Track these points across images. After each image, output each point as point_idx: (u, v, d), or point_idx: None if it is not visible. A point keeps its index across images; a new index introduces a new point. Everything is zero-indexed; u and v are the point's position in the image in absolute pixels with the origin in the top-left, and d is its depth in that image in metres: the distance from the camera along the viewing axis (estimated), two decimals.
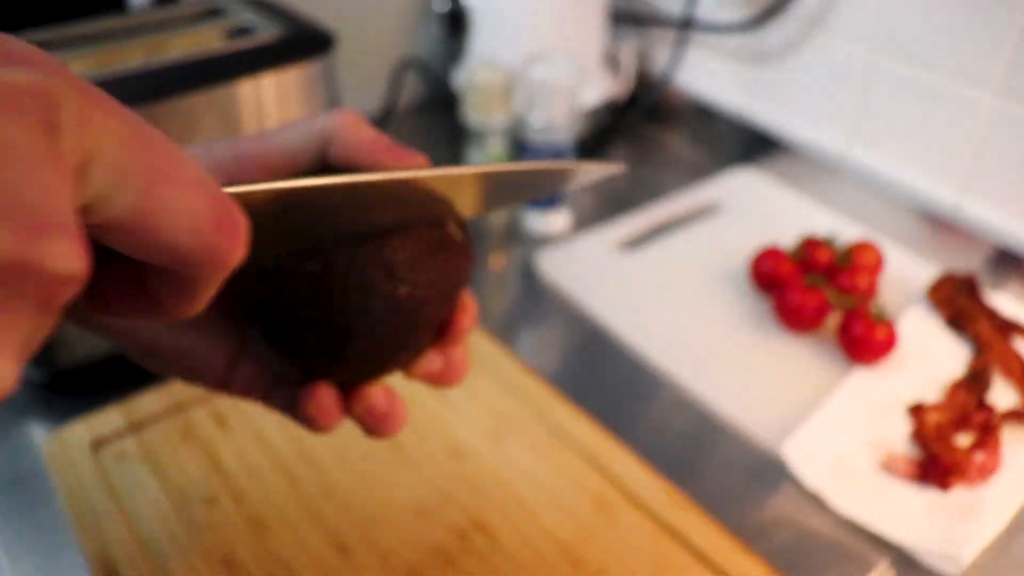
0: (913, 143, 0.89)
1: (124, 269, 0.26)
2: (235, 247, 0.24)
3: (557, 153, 0.85)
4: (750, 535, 0.60)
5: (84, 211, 0.21)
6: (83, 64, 0.68)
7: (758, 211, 0.94)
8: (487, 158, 0.86)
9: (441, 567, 0.56)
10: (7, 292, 0.18)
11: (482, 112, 0.82)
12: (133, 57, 0.68)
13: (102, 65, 0.67)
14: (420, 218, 0.34)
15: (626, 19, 1.08)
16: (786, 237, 0.84)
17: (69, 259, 0.19)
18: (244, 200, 0.27)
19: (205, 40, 0.72)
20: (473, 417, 0.66)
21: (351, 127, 0.35)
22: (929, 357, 0.75)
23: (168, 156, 0.22)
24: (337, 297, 0.32)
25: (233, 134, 0.70)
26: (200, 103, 0.67)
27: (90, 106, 0.20)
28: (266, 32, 0.71)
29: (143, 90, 0.65)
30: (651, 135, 1.12)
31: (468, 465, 0.62)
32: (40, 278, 0.19)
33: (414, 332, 0.35)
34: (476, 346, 0.72)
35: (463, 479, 0.61)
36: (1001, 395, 0.71)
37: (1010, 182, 0.82)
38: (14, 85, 0.19)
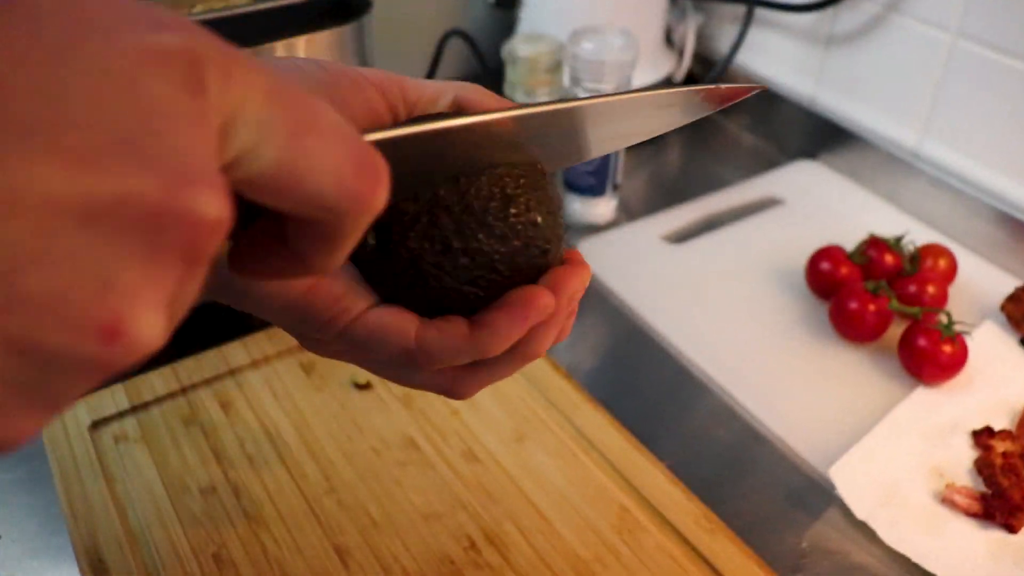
0: (994, 139, 0.82)
1: (267, 229, 0.27)
2: (378, 192, 0.25)
3: None
4: (787, 566, 0.55)
5: (230, 167, 0.22)
6: None
7: (820, 208, 0.88)
8: None
9: None
10: (152, 240, 0.19)
11: (526, 89, 0.77)
12: None
13: None
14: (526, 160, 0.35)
15: None
16: (849, 237, 0.77)
17: (212, 206, 0.20)
18: (385, 144, 0.28)
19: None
20: (494, 416, 0.61)
21: (486, 99, 0.36)
22: (1001, 379, 0.68)
23: (308, 108, 0.23)
24: (463, 222, 0.32)
25: None
26: None
27: (232, 65, 0.21)
28: None
29: None
30: (710, 121, 1.05)
31: (484, 469, 0.58)
32: (184, 225, 0.19)
33: (529, 261, 0.34)
34: None
35: (477, 484, 0.57)
36: None
37: None
38: (162, 48, 0.20)
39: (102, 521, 0.54)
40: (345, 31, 0.69)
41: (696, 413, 0.67)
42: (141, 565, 0.52)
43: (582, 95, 0.78)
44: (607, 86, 0.77)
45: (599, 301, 0.77)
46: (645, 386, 0.69)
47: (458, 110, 0.36)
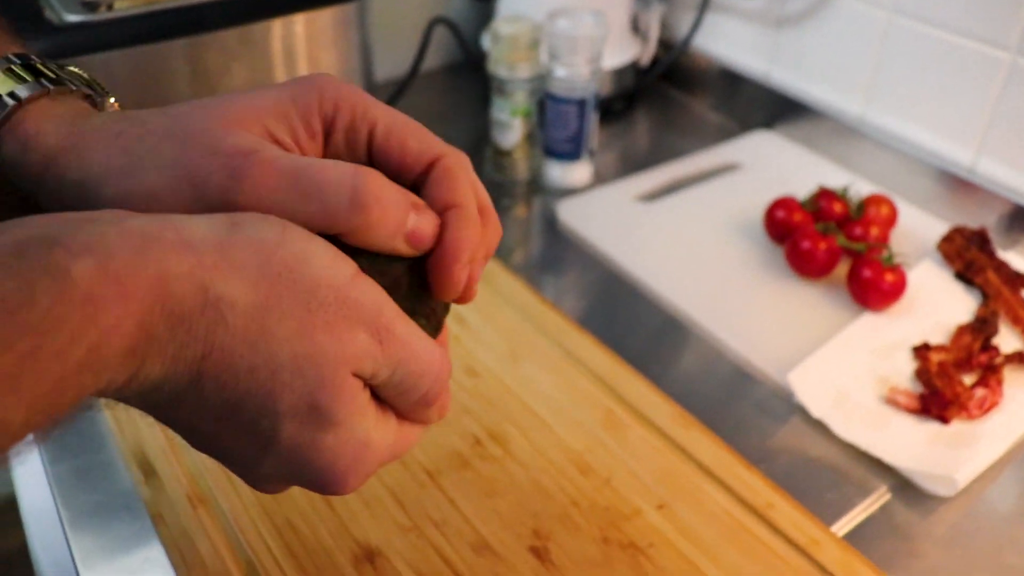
0: (930, 104, 0.91)
1: None
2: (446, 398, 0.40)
3: (579, 104, 0.88)
4: (755, 459, 0.63)
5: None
6: (129, 0, 0.71)
7: (776, 170, 0.96)
8: (512, 111, 0.88)
9: (457, 469, 0.59)
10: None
11: (508, 64, 0.85)
12: None
13: (147, 1, 0.71)
14: None
15: None
16: (802, 192, 0.86)
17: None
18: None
19: None
20: (491, 341, 0.69)
21: (463, 174, 0.39)
22: (937, 306, 0.77)
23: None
24: None
25: (264, 70, 0.73)
26: (234, 38, 0.71)
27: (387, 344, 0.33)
28: None
29: (182, 23, 0.68)
30: (676, 100, 1.14)
31: (484, 382, 0.65)
32: None
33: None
34: (497, 280, 0.75)
35: (479, 394, 0.64)
36: (1007, 342, 0.73)
37: None
38: (356, 352, 0.32)
39: (146, 435, 0.60)
40: (346, 12, 0.77)
41: (671, 343, 0.75)
42: (186, 470, 0.58)
43: (559, 70, 0.87)
44: (580, 59, 0.86)
45: (580, 254, 0.85)
46: (625, 323, 0.76)
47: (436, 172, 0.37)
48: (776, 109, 1.04)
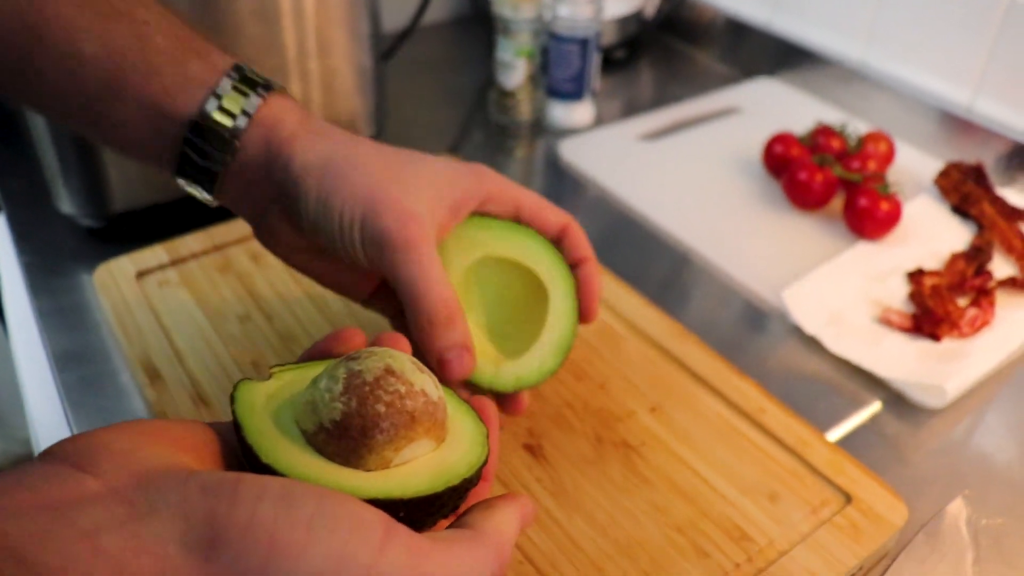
0: (929, 45, 0.92)
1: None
2: None
3: (582, 44, 0.89)
4: (748, 374, 0.64)
5: None
6: None
7: (776, 113, 0.97)
8: (516, 52, 0.89)
9: None
10: None
11: (512, 5, 0.86)
12: None
13: None
14: None
15: None
16: (801, 132, 0.87)
17: None
18: None
19: None
20: None
21: (582, 241, 0.55)
22: (932, 236, 0.78)
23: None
24: None
25: (271, 31, 0.73)
26: None
27: None
28: None
29: None
30: (679, 50, 1.15)
31: None
32: None
33: None
34: None
35: None
36: (1000, 271, 0.73)
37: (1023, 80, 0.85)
38: None
39: (152, 342, 0.62)
40: None
41: (671, 270, 0.76)
42: (189, 374, 0.60)
43: (562, 9, 0.88)
44: (582, 3, 0.87)
45: (582, 190, 0.86)
46: (625, 254, 0.77)
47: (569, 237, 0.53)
48: (778, 57, 1.05)
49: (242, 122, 0.46)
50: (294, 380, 0.39)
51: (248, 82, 0.47)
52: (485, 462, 0.38)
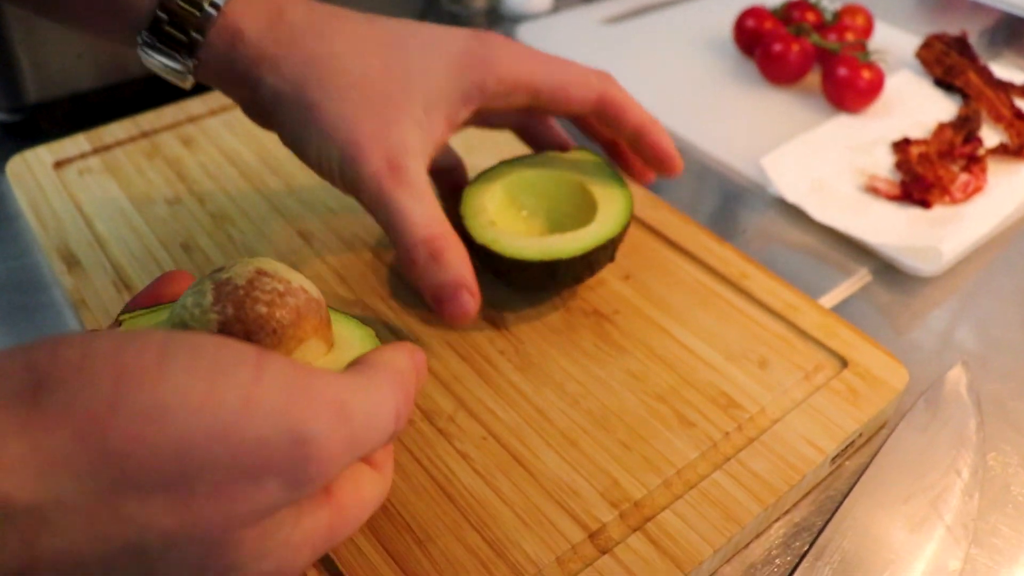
0: None
1: None
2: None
3: None
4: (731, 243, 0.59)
5: None
6: None
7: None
8: None
9: None
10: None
11: None
12: None
13: None
14: None
15: None
16: (773, 4, 0.82)
17: None
18: None
19: None
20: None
21: (628, 103, 0.49)
22: (916, 109, 0.73)
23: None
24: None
25: None
26: None
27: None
28: None
29: None
30: None
31: None
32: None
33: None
34: None
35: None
36: (989, 140, 0.69)
37: None
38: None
39: (71, 229, 0.56)
40: None
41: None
42: (112, 260, 0.53)
43: None
44: None
45: None
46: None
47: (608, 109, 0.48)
48: None
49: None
50: (147, 324, 0.34)
51: None
52: None
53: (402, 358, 0.32)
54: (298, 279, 0.33)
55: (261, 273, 0.32)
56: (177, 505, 0.23)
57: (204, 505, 0.24)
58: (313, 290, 0.34)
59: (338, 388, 0.27)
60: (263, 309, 0.31)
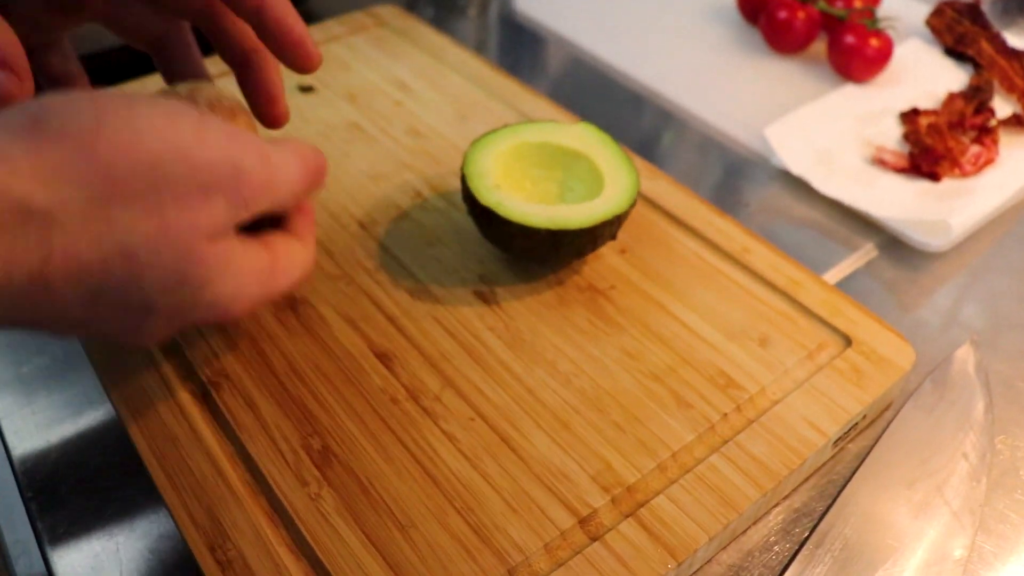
0: None
1: None
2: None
3: None
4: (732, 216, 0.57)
5: None
6: None
7: None
8: None
9: (395, 220, 0.52)
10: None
11: None
12: None
13: None
14: None
15: None
16: None
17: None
18: None
19: None
20: (436, 103, 0.62)
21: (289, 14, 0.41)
22: (926, 78, 0.70)
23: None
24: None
25: None
26: None
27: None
28: None
29: None
30: None
31: (428, 141, 0.59)
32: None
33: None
34: (444, 53, 0.68)
35: (423, 152, 0.58)
36: (1001, 111, 0.66)
37: None
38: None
39: None
40: None
41: (645, 119, 0.68)
42: None
43: None
44: None
45: (546, 47, 0.77)
46: (596, 101, 0.69)
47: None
48: None
49: None
50: None
51: None
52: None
53: (309, 146, 0.37)
54: (231, 94, 0.39)
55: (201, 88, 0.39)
56: (152, 212, 0.29)
57: (172, 212, 0.29)
58: (244, 103, 0.41)
59: (260, 142, 0.33)
60: (205, 109, 0.37)
